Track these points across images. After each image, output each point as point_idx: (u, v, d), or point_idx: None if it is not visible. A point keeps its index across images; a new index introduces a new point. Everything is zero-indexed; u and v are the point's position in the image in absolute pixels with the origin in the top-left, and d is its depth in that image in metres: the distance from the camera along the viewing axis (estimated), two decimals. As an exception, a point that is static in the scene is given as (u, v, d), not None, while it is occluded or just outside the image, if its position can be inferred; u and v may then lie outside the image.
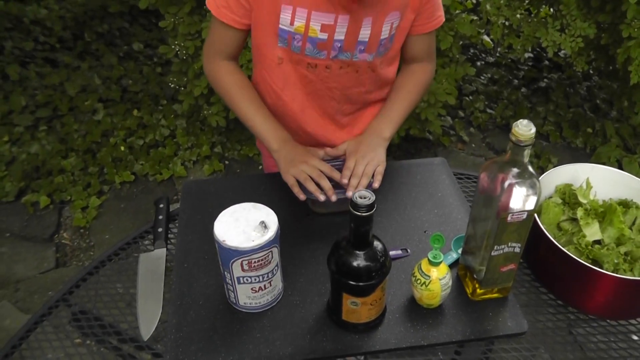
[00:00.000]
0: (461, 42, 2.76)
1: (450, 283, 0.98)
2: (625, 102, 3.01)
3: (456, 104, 2.77)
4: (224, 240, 0.90)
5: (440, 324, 0.99)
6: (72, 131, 2.96)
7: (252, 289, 0.96)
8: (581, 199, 1.15)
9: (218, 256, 0.94)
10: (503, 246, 0.92)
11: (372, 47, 1.20)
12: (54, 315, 1.11)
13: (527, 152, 0.84)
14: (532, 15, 2.75)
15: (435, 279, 0.95)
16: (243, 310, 1.01)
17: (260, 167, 2.92)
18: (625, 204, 1.15)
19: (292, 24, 1.15)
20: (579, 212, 1.11)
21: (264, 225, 0.92)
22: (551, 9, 2.72)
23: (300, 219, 1.19)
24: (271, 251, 0.93)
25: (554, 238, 1.04)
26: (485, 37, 3.28)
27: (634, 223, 1.12)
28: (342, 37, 1.17)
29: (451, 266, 1.07)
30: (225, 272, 0.95)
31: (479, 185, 0.93)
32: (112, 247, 1.24)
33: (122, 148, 2.91)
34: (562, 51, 2.52)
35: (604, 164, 1.23)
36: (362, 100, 1.35)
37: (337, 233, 0.94)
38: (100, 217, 2.63)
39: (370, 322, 0.97)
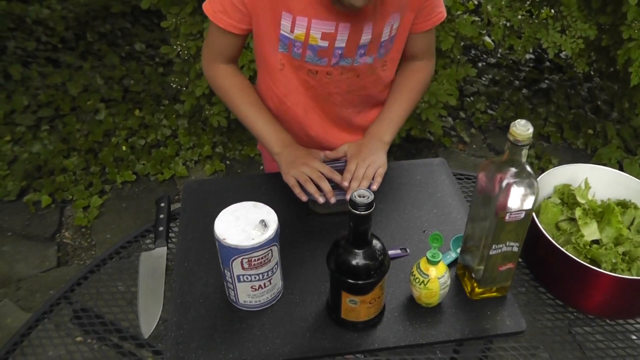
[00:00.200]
0: (462, 43, 2.77)
1: (448, 282, 0.98)
2: (626, 104, 3.02)
3: (457, 104, 2.77)
4: (224, 239, 0.90)
5: (439, 322, 1.00)
6: (74, 131, 2.97)
7: (252, 287, 0.97)
8: (579, 199, 1.15)
9: (218, 254, 0.95)
10: (501, 245, 0.93)
11: (373, 50, 1.20)
12: (55, 313, 1.11)
13: (524, 152, 0.84)
14: (534, 16, 2.76)
15: (434, 278, 0.96)
16: (243, 308, 1.01)
17: (261, 167, 2.93)
18: (624, 205, 1.15)
19: (292, 31, 1.14)
20: (578, 212, 1.12)
21: (264, 223, 0.93)
22: (552, 10, 2.72)
23: (300, 219, 1.20)
24: (271, 250, 0.94)
25: (553, 238, 1.04)
26: (487, 38, 3.28)
27: (632, 223, 1.13)
28: (343, 45, 1.16)
29: (450, 266, 1.07)
30: (226, 271, 0.96)
31: (477, 185, 0.94)
32: (113, 245, 1.25)
33: (124, 148, 2.92)
34: (563, 52, 2.52)
35: (604, 165, 1.23)
36: (364, 103, 1.35)
37: (336, 233, 0.95)
38: (101, 217, 2.64)
39: (369, 321, 0.98)
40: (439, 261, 0.96)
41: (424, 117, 2.60)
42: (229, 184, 1.33)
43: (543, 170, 1.18)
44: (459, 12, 2.60)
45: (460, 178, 1.42)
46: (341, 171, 1.21)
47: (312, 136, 1.36)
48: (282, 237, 0.96)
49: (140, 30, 3.73)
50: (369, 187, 1.17)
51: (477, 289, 1.01)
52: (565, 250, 1.02)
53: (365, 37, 1.16)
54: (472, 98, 3.40)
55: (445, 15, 1.26)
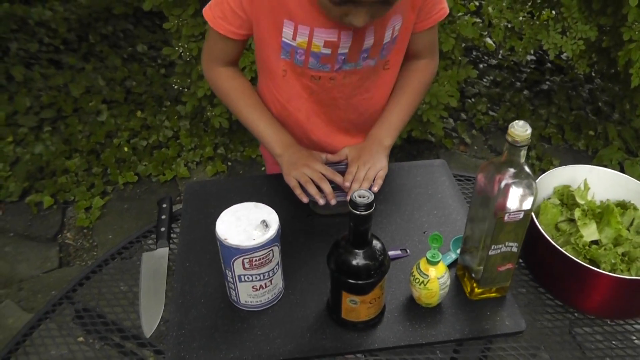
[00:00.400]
0: (463, 45, 2.77)
1: (448, 282, 0.99)
2: (627, 105, 3.02)
3: (458, 106, 2.77)
4: (225, 239, 0.91)
5: (439, 322, 1.00)
6: (76, 132, 2.98)
7: (253, 287, 0.98)
8: (579, 200, 1.16)
9: (220, 254, 0.95)
10: (500, 246, 0.93)
11: (375, 52, 1.19)
12: (57, 313, 1.12)
13: (523, 153, 0.85)
14: (534, 18, 2.76)
15: (434, 278, 0.96)
16: (244, 308, 1.02)
17: (262, 168, 2.93)
18: (623, 205, 1.16)
19: (294, 38, 1.13)
20: (577, 213, 1.12)
21: (265, 224, 0.94)
22: (553, 12, 2.73)
23: (301, 219, 1.21)
24: (272, 250, 0.94)
25: (552, 239, 1.05)
26: (488, 40, 3.29)
27: (631, 224, 1.13)
28: (346, 51, 1.16)
29: (450, 266, 1.08)
30: (227, 271, 0.96)
31: (476, 186, 0.94)
32: (115, 246, 1.26)
33: (126, 149, 2.93)
34: (564, 54, 2.52)
35: (605, 166, 1.24)
36: (367, 105, 1.33)
37: (337, 233, 0.95)
38: (103, 218, 2.64)
39: (370, 321, 0.98)
40: (438, 261, 0.96)
41: (425, 118, 2.60)
42: (230, 185, 1.34)
43: (544, 172, 1.19)
44: (460, 14, 2.61)
45: (461, 179, 1.42)
46: (342, 173, 1.21)
47: (314, 140, 1.36)
48: (283, 237, 0.97)
49: (142, 31, 3.74)
50: (370, 189, 1.18)
51: (476, 289, 1.02)
52: (565, 250, 1.02)
53: (368, 42, 1.15)
54: (473, 99, 3.40)
55: (448, 11, 1.23)
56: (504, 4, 2.58)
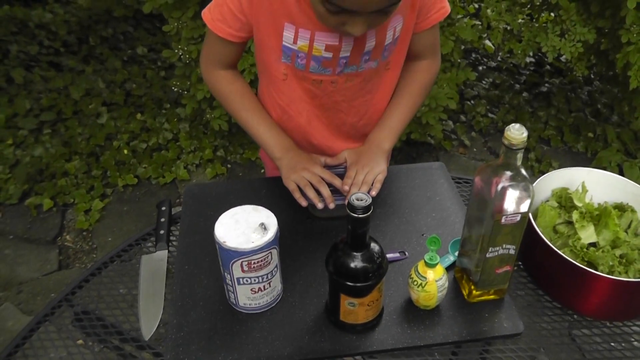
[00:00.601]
0: (463, 47, 2.77)
1: (446, 285, 0.99)
2: (626, 107, 3.02)
3: (458, 108, 2.78)
4: (224, 242, 0.91)
5: (437, 325, 1.01)
6: (76, 134, 2.98)
7: (251, 289, 0.98)
8: (577, 202, 1.16)
9: (218, 257, 0.96)
10: (498, 248, 0.94)
11: (377, 54, 1.18)
12: (56, 316, 1.12)
13: (519, 156, 0.85)
14: (533, 20, 2.77)
15: (432, 281, 0.97)
16: (243, 310, 1.02)
17: (262, 170, 2.94)
18: (621, 208, 1.16)
19: (295, 42, 1.12)
20: (575, 215, 1.13)
21: (263, 227, 0.94)
22: (551, 14, 2.73)
23: (299, 222, 1.21)
24: (270, 252, 0.94)
25: (550, 241, 1.05)
26: (487, 42, 3.29)
27: (629, 226, 1.14)
28: (348, 54, 1.15)
29: (448, 269, 1.08)
30: (226, 273, 0.96)
31: (473, 189, 0.95)
32: (114, 248, 1.26)
33: (126, 151, 2.93)
34: (563, 56, 2.53)
35: (604, 168, 1.24)
36: (369, 107, 1.32)
37: (335, 236, 0.95)
38: (103, 220, 2.65)
39: (368, 323, 0.98)
40: (436, 264, 0.96)
41: (424, 120, 2.61)
42: (229, 188, 1.34)
43: (543, 174, 1.19)
44: (459, 16, 2.61)
45: (459, 182, 1.42)
46: (341, 176, 1.21)
47: (314, 144, 1.36)
48: (282, 240, 0.97)
49: (142, 34, 3.75)
50: (367, 192, 1.18)
51: (474, 292, 1.02)
52: (563, 253, 1.02)
53: (370, 44, 1.15)
54: (472, 101, 3.41)
55: (449, 10, 1.22)
56: (502, 7, 2.59)
